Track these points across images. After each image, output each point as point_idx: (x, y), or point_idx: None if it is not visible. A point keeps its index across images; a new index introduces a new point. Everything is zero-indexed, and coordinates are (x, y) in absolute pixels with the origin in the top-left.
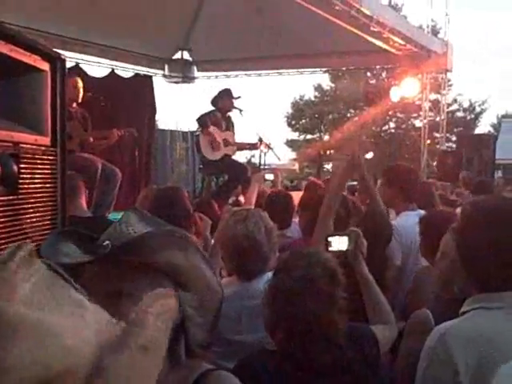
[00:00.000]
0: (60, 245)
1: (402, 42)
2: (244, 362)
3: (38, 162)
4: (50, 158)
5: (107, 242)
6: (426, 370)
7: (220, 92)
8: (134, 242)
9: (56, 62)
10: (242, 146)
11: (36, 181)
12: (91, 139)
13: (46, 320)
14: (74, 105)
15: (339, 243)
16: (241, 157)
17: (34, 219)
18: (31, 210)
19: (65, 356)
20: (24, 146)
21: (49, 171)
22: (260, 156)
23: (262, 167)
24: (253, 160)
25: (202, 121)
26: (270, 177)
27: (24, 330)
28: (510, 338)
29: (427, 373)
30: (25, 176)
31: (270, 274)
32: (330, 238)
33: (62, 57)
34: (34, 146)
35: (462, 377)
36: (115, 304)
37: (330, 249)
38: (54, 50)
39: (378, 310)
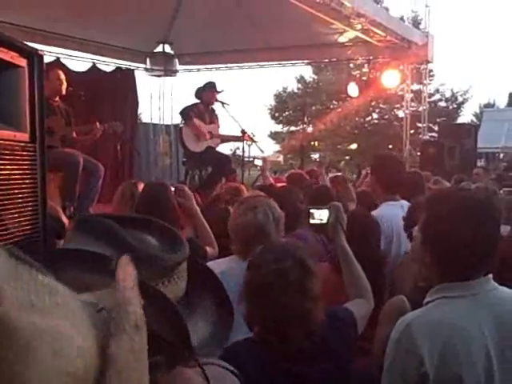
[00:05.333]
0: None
1: (383, 34)
2: (229, 351)
3: (17, 158)
4: (29, 153)
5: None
6: (392, 359)
7: (204, 85)
8: None
9: (33, 57)
10: (225, 139)
11: (15, 177)
12: (74, 134)
13: (50, 324)
14: (57, 98)
15: (320, 216)
16: (225, 149)
17: (14, 215)
18: (11, 207)
19: (82, 357)
20: (2, 142)
21: (28, 167)
22: (243, 148)
23: (246, 159)
24: (237, 152)
25: (185, 113)
26: (258, 162)
27: (38, 341)
28: (471, 327)
29: (394, 362)
30: (4, 172)
31: None
32: (311, 211)
33: (40, 52)
34: (13, 143)
35: (427, 366)
36: None
37: (311, 221)
38: (33, 45)
39: (356, 284)
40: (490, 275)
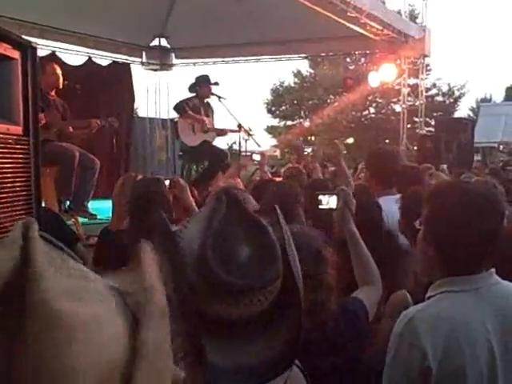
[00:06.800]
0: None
1: (380, 27)
2: None
3: (11, 151)
4: (22, 147)
5: None
6: (395, 353)
7: (197, 78)
8: None
9: (27, 50)
10: (221, 132)
11: (8, 170)
12: (70, 128)
13: (90, 312)
14: (53, 92)
15: (329, 201)
16: (222, 143)
17: (7, 209)
18: (3, 200)
19: (119, 345)
20: None
21: (21, 160)
22: (240, 142)
23: (243, 154)
24: (234, 147)
25: (180, 107)
26: (256, 157)
27: (82, 332)
28: (474, 321)
29: (396, 356)
30: None
31: None
32: (320, 197)
33: (33, 45)
34: (6, 136)
35: (430, 359)
36: None
37: (320, 207)
38: (28, 38)
39: (365, 269)
40: (493, 269)
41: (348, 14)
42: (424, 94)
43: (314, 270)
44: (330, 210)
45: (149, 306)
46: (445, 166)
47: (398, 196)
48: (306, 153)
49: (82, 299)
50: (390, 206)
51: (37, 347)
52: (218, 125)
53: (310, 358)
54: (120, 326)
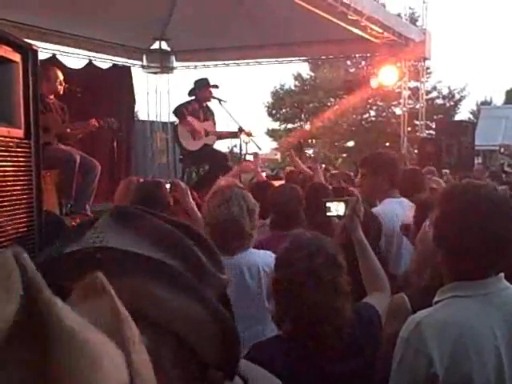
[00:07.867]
0: None
1: (380, 30)
2: (257, 348)
3: (12, 154)
4: (24, 150)
5: None
6: (401, 359)
7: (196, 82)
8: None
9: (28, 52)
10: (222, 136)
11: (9, 174)
12: (69, 130)
13: (101, 338)
14: (52, 96)
15: (337, 208)
16: (222, 147)
17: (8, 213)
18: (5, 204)
19: (123, 369)
20: None
21: (23, 164)
22: (240, 146)
23: (243, 157)
24: (235, 150)
25: (179, 111)
26: (250, 157)
27: (102, 357)
28: (482, 327)
29: (402, 362)
30: None
31: (251, 250)
32: (328, 204)
33: (34, 47)
34: (7, 139)
35: (436, 366)
36: None
37: (328, 214)
38: (29, 41)
39: (374, 276)
40: (502, 274)
41: (348, 16)
42: (424, 96)
43: (330, 275)
44: (338, 217)
45: (132, 337)
46: (447, 171)
47: (402, 199)
48: (307, 155)
49: (89, 328)
50: (394, 208)
51: (69, 378)
52: (218, 128)
53: (326, 363)
54: (116, 350)
